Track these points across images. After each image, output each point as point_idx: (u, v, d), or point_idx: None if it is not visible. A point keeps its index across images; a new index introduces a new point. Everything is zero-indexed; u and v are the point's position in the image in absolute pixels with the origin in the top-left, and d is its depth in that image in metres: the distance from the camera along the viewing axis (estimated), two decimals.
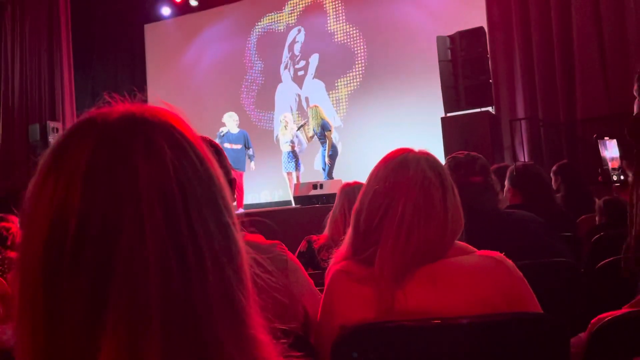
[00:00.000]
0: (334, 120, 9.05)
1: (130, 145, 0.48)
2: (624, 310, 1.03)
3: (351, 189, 2.25)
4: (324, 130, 7.08)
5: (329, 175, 7.15)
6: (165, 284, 0.45)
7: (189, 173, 0.49)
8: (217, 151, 1.31)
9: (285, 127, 7.50)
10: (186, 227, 0.47)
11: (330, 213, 2.28)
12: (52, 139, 8.01)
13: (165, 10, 10.36)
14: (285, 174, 7.68)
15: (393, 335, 1.04)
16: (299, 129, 7.46)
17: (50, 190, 0.47)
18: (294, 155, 7.52)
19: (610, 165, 1.48)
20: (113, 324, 0.43)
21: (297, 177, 7.50)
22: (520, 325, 1.04)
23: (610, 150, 1.51)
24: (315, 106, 7.26)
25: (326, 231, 2.26)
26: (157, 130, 0.50)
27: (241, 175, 7.36)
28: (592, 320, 1.07)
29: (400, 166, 1.18)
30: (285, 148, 7.53)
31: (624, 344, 1.02)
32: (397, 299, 1.05)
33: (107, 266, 0.44)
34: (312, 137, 7.31)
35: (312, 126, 7.13)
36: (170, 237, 0.45)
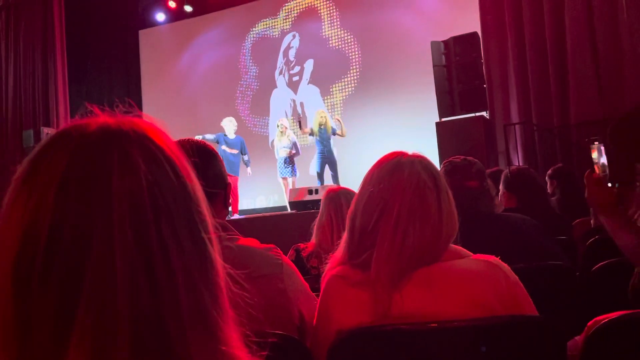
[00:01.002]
0: None
1: (105, 159, 0.47)
2: (620, 313, 1.03)
3: (336, 194, 2.23)
4: (334, 132, 7.27)
5: (335, 179, 7.20)
6: (134, 300, 0.44)
7: (163, 188, 0.49)
8: (213, 155, 1.30)
9: (282, 133, 7.50)
10: (157, 243, 0.46)
11: (316, 220, 2.25)
12: None
13: (160, 16, 10.36)
14: (280, 180, 7.68)
15: (390, 339, 1.03)
16: (299, 125, 7.47)
17: (23, 201, 0.47)
18: (290, 160, 7.53)
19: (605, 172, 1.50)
20: (79, 339, 0.43)
21: (293, 183, 7.51)
22: (517, 328, 1.03)
23: (605, 155, 1.52)
24: (324, 112, 7.42)
25: (313, 238, 2.23)
26: (134, 143, 0.50)
27: (236, 180, 7.36)
28: (589, 323, 1.07)
29: (395, 169, 1.17)
30: (282, 153, 7.54)
31: (620, 347, 1.02)
32: (394, 303, 1.05)
33: (76, 281, 0.44)
34: (310, 133, 7.35)
35: (316, 129, 7.21)
36: (140, 253, 0.45)
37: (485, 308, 1.05)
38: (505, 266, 1.14)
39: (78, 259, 0.44)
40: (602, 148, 1.55)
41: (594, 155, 1.57)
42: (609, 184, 1.51)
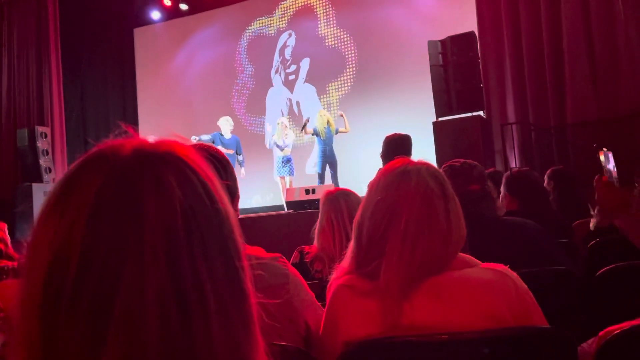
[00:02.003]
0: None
1: (139, 183, 0.46)
2: (634, 323, 1.02)
3: (334, 196, 2.20)
4: (338, 130, 7.27)
5: (334, 180, 7.20)
6: (164, 330, 0.43)
7: (197, 213, 0.47)
8: (226, 162, 1.27)
9: (282, 131, 7.49)
10: (190, 272, 0.45)
11: (317, 224, 2.23)
12: (41, 144, 7.92)
13: (155, 14, 10.30)
14: (278, 179, 7.66)
15: (400, 351, 1.01)
16: (302, 128, 7.42)
17: (54, 225, 0.46)
18: (288, 159, 7.51)
19: (614, 176, 1.49)
20: None
21: (290, 182, 7.49)
22: (528, 339, 1.02)
23: (612, 161, 1.51)
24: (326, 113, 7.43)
25: (315, 243, 2.21)
26: (169, 167, 0.48)
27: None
28: (600, 333, 1.05)
29: (402, 177, 1.16)
30: (280, 152, 7.53)
31: (634, 358, 1.01)
32: (403, 313, 1.03)
33: (105, 309, 0.43)
34: (314, 134, 7.32)
35: (322, 128, 7.20)
36: (172, 282, 0.44)
37: (495, 318, 1.04)
38: (514, 275, 1.12)
39: (108, 285, 0.43)
40: (610, 154, 1.54)
41: (602, 158, 1.57)
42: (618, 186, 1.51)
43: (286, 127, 7.55)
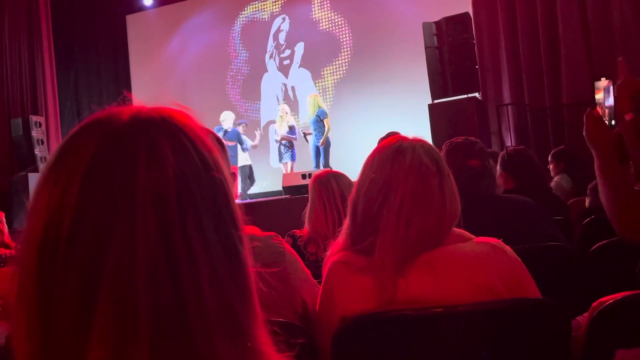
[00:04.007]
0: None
1: (132, 148, 0.46)
2: (624, 293, 1.03)
3: (325, 177, 2.19)
4: (320, 118, 7.17)
5: (326, 165, 7.19)
6: (154, 293, 0.43)
7: (190, 181, 0.47)
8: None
9: (282, 118, 7.53)
10: (181, 236, 0.45)
11: (307, 207, 2.22)
12: (35, 133, 7.88)
13: (148, 1, 10.19)
14: (281, 165, 7.73)
15: (395, 325, 1.03)
16: (305, 136, 7.48)
17: (50, 187, 0.46)
18: (289, 145, 7.57)
19: (606, 112, 1.45)
20: (101, 330, 0.42)
21: (292, 168, 7.55)
22: (522, 311, 1.03)
23: (612, 96, 1.46)
24: (315, 95, 7.42)
25: (306, 225, 2.21)
26: (163, 133, 0.48)
27: (236, 170, 7.40)
28: (593, 304, 1.07)
29: (397, 154, 1.16)
30: (282, 139, 7.59)
31: (625, 328, 1.02)
32: (398, 288, 1.05)
33: (96, 270, 0.43)
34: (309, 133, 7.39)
35: (309, 114, 7.19)
36: (162, 245, 0.44)
37: (489, 291, 1.05)
38: (507, 248, 1.13)
39: (99, 248, 0.43)
40: (611, 87, 1.48)
41: (599, 96, 1.52)
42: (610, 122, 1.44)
43: (287, 113, 7.59)
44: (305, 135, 7.63)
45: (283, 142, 7.54)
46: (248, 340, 0.48)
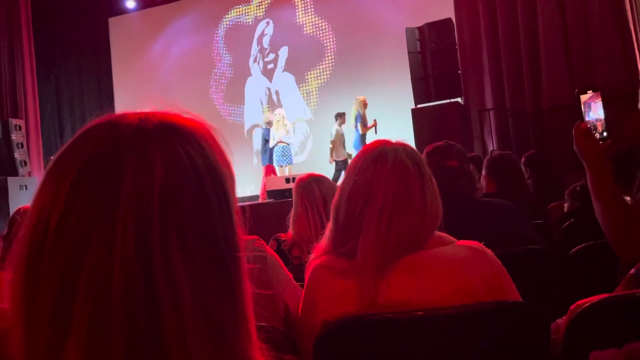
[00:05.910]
0: (304, 114, 9.04)
1: (122, 158, 0.46)
2: (602, 296, 1.05)
3: (306, 182, 2.18)
4: (356, 122, 7.40)
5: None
6: (129, 304, 0.43)
7: (179, 197, 0.46)
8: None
9: (279, 122, 7.57)
10: (160, 254, 0.44)
11: (292, 211, 2.22)
12: (15, 136, 7.75)
13: (130, 3, 10.13)
14: (278, 168, 7.77)
15: (376, 328, 1.03)
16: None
17: (45, 188, 0.47)
18: (287, 149, 7.62)
19: (597, 127, 1.45)
20: (76, 340, 0.42)
21: (289, 171, 7.61)
22: (502, 314, 1.04)
23: (595, 111, 1.46)
24: (356, 99, 7.55)
25: (290, 230, 2.21)
26: (158, 144, 0.47)
27: None
28: (571, 307, 1.08)
29: (379, 157, 1.17)
30: (280, 142, 7.62)
31: (602, 330, 1.04)
32: (380, 291, 1.05)
33: (74, 277, 0.43)
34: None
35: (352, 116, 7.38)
36: (139, 260, 0.43)
37: (470, 294, 1.06)
38: (489, 252, 1.14)
39: (78, 254, 0.43)
40: (593, 103, 1.51)
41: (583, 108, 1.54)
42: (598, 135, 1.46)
43: (284, 117, 7.65)
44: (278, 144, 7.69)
45: (282, 146, 7.59)
46: (234, 358, 0.47)
